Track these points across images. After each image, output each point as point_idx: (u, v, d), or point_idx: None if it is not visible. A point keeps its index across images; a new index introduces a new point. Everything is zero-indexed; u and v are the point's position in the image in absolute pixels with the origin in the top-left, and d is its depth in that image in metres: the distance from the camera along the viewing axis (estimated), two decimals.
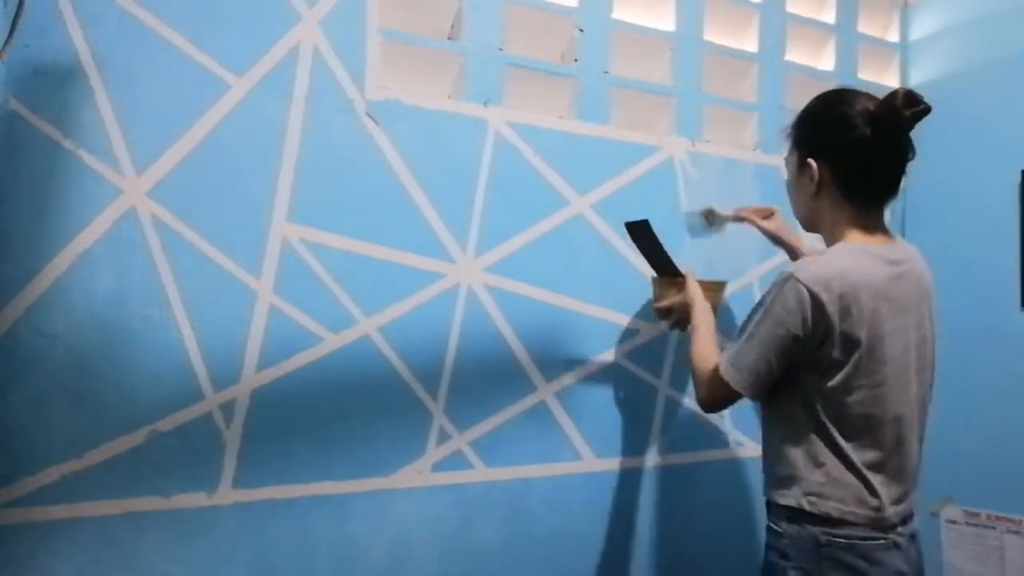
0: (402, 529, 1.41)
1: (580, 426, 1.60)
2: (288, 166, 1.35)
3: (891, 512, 1.11)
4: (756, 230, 1.62)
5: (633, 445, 1.66)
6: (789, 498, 1.14)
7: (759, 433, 1.79)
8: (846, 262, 1.10)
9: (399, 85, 1.46)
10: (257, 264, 1.32)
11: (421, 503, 1.43)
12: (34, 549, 1.15)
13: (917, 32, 2.10)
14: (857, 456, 1.10)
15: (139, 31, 1.25)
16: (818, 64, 2.02)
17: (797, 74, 1.94)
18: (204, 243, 1.28)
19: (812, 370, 1.11)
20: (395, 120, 1.44)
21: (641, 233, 1.44)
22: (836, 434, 1.11)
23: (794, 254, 1.58)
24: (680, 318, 1.44)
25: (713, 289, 1.44)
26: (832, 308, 1.07)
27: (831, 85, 1.97)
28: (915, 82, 2.09)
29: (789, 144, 1.26)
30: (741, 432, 1.79)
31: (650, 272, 1.55)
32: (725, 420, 1.77)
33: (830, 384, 1.10)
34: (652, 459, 1.68)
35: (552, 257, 1.58)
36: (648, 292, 1.60)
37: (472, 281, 1.50)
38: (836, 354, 1.09)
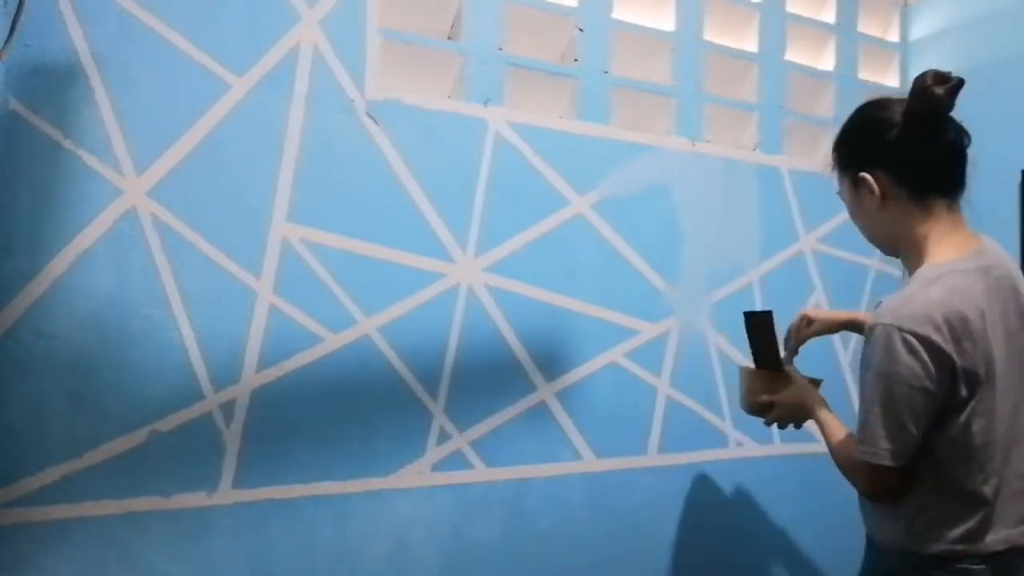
0: (402, 529, 1.41)
1: (580, 426, 1.60)
2: (288, 166, 1.35)
3: (1002, 537, 1.03)
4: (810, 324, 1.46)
5: (633, 445, 1.66)
6: (892, 533, 1.08)
7: (759, 433, 1.81)
8: (939, 290, 1.00)
9: (399, 85, 1.46)
10: (257, 264, 1.32)
11: (421, 503, 1.43)
12: (34, 549, 1.15)
13: (917, 32, 2.10)
14: (971, 488, 1.02)
15: (139, 31, 1.25)
16: (818, 64, 2.02)
17: (797, 74, 1.94)
18: (204, 243, 1.28)
19: (941, 413, 1.02)
20: (395, 120, 1.44)
21: (760, 324, 1.37)
22: (951, 469, 1.02)
23: (856, 325, 1.43)
24: (783, 414, 1.31)
25: (815, 385, 1.32)
26: (947, 346, 0.97)
27: (831, 85, 1.98)
28: None
29: (836, 174, 1.17)
30: (741, 432, 1.79)
31: (742, 363, 1.45)
32: (725, 420, 1.77)
33: (957, 421, 1.01)
34: (652, 459, 1.68)
35: (552, 257, 1.58)
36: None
37: (472, 281, 1.50)
38: (963, 391, 1.00)
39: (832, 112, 1.98)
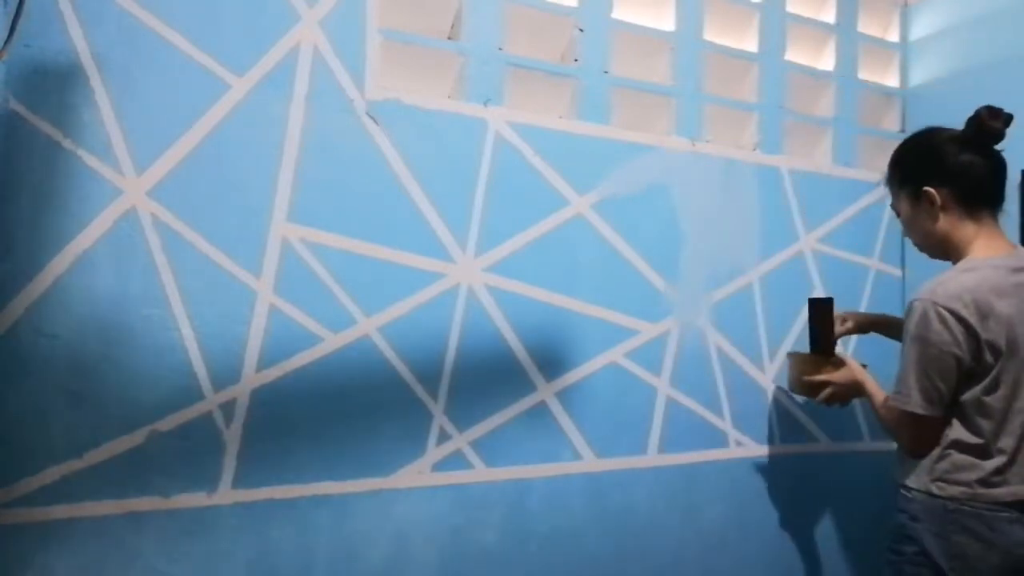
0: (402, 529, 1.41)
1: (580, 426, 1.60)
2: (288, 166, 1.35)
3: (1012, 491, 1.19)
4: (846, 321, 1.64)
5: (633, 445, 1.66)
6: (918, 482, 1.24)
7: (759, 433, 1.81)
8: (972, 277, 1.20)
9: (399, 85, 1.46)
10: (257, 264, 1.32)
11: (421, 503, 1.43)
12: (34, 549, 1.15)
13: (917, 32, 2.10)
14: (988, 445, 1.19)
15: (139, 31, 1.25)
16: (818, 64, 2.01)
17: (797, 74, 1.94)
18: (204, 243, 1.28)
19: (968, 377, 1.20)
20: (395, 120, 1.44)
21: (821, 309, 1.54)
22: (971, 426, 1.21)
23: (888, 327, 1.62)
24: (837, 392, 1.50)
25: (864, 368, 1.50)
26: (972, 319, 1.17)
27: (831, 85, 1.98)
28: (915, 82, 2.08)
29: (893, 189, 1.37)
30: (741, 432, 1.79)
31: (791, 348, 1.61)
32: (725, 420, 1.77)
33: (979, 386, 1.19)
34: (652, 459, 1.68)
35: (552, 257, 1.58)
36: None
37: (472, 281, 1.50)
38: (988, 358, 1.19)
39: (832, 112, 1.98)
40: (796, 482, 1.86)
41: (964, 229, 1.27)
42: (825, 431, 1.91)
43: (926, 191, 1.28)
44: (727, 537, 1.76)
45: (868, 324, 1.62)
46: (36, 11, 1.17)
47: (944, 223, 1.28)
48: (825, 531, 1.89)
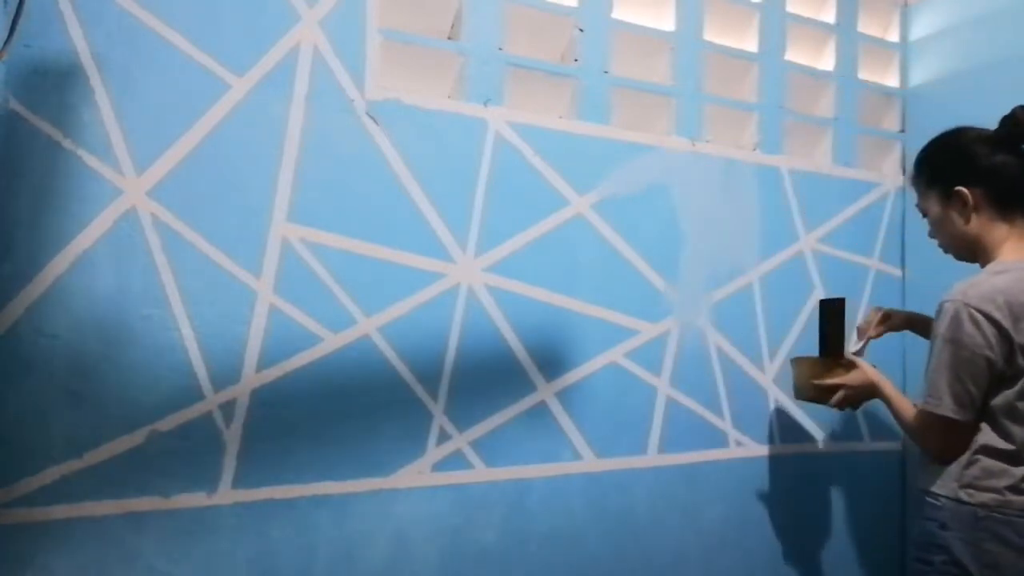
0: (402, 529, 1.41)
1: (580, 426, 1.60)
2: (288, 166, 1.35)
3: None
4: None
5: (633, 445, 1.66)
6: (945, 488, 1.21)
7: (759, 433, 1.81)
8: (1004, 280, 1.18)
9: (399, 85, 1.46)
10: (257, 264, 1.32)
11: (421, 503, 1.43)
12: (34, 549, 1.15)
13: (917, 32, 2.10)
14: (1020, 451, 1.17)
15: (139, 31, 1.25)
16: (818, 64, 2.01)
17: (797, 74, 1.94)
18: (204, 243, 1.28)
19: (999, 380, 1.18)
20: (395, 120, 1.44)
21: (833, 310, 1.51)
22: (1002, 432, 1.18)
23: (924, 327, 1.55)
24: (850, 395, 1.45)
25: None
26: (1006, 322, 1.15)
27: (831, 85, 1.98)
28: (915, 82, 2.08)
29: (920, 188, 1.34)
30: (741, 432, 1.79)
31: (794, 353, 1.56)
32: (725, 420, 1.77)
33: (1011, 390, 1.17)
34: (652, 459, 1.68)
35: (552, 257, 1.58)
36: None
37: (472, 281, 1.50)
38: (1021, 362, 1.16)
39: (832, 112, 1.98)
40: (796, 482, 1.86)
41: (996, 230, 1.25)
42: (825, 431, 1.91)
43: (958, 191, 1.25)
44: (727, 537, 1.76)
45: (905, 322, 1.58)
46: (36, 11, 1.17)
47: (975, 224, 1.26)
48: (825, 531, 1.89)
